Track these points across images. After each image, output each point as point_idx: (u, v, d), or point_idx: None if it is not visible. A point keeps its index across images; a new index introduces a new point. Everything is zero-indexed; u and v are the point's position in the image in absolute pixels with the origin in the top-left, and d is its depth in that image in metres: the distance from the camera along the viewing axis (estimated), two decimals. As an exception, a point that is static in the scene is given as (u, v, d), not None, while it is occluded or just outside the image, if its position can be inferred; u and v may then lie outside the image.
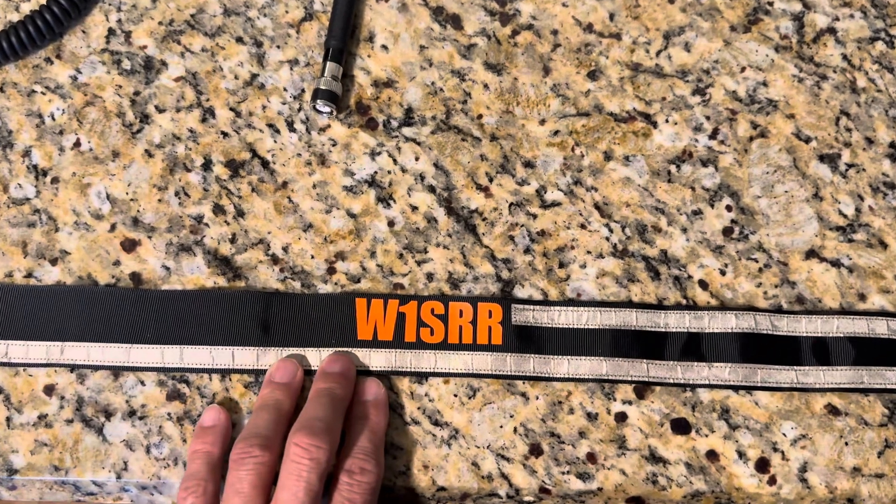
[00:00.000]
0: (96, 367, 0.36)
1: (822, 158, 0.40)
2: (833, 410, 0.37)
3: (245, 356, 0.36)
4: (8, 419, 0.36)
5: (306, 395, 0.35)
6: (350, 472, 0.32)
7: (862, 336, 0.38)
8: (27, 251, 0.38)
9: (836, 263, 0.39)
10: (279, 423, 0.34)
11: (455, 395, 0.37)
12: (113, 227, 0.38)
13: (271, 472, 0.33)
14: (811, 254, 0.39)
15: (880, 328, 0.38)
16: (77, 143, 0.39)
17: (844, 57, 0.42)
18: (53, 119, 0.40)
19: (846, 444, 0.37)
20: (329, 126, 0.40)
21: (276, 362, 0.36)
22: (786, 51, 0.42)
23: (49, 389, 0.36)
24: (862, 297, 0.39)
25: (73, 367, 0.36)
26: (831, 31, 0.42)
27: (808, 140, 0.41)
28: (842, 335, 0.37)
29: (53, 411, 0.36)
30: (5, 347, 0.36)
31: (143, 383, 0.36)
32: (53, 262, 0.38)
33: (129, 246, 0.38)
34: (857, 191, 0.40)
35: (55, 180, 0.39)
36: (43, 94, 0.40)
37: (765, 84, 0.41)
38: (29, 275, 0.37)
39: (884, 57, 0.42)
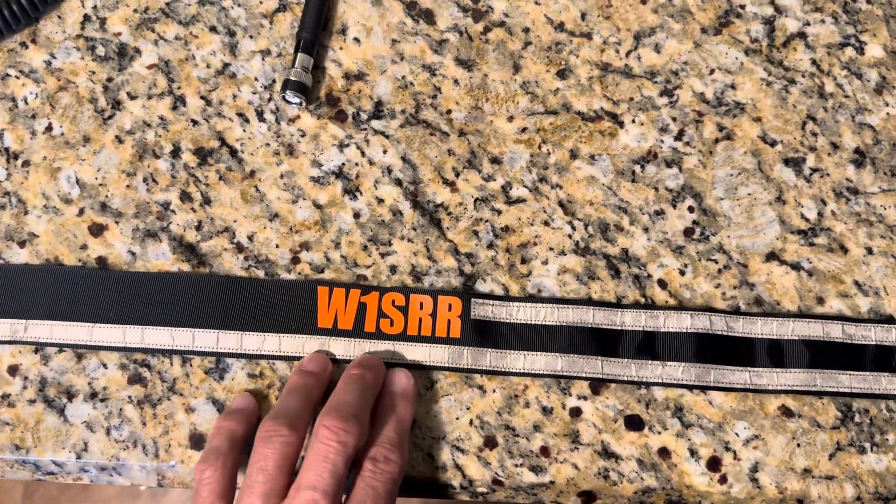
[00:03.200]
0: (59, 345, 0.37)
1: (786, 162, 0.41)
2: (786, 412, 0.37)
3: (205, 338, 0.37)
4: (-29, 397, 0.36)
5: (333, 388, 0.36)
6: (374, 460, 0.33)
7: (816, 339, 0.38)
8: (-4, 233, 0.38)
9: (796, 266, 0.39)
10: (307, 406, 0.34)
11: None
12: (81, 212, 0.39)
13: (296, 453, 0.33)
14: (771, 256, 0.39)
15: (835, 332, 0.38)
16: (49, 128, 0.40)
17: (814, 62, 0.42)
18: (26, 103, 0.40)
19: (798, 445, 0.37)
20: (298, 117, 0.40)
21: (308, 355, 0.36)
22: (755, 54, 0.42)
23: (13, 370, 0.37)
24: (820, 301, 0.39)
25: (36, 346, 0.37)
26: (801, 35, 0.43)
27: (773, 143, 0.41)
28: (797, 338, 0.38)
29: (16, 391, 0.36)
30: (-30, 327, 0.37)
31: (105, 366, 0.37)
32: (22, 244, 0.38)
33: (97, 230, 0.38)
34: (820, 195, 0.40)
35: (26, 164, 0.39)
36: (17, 77, 0.40)
37: (733, 87, 0.42)
38: (-4, 256, 0.38)
39: (853, 63, 0.42)
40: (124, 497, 1.09)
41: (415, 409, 0.36)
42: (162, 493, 1.08)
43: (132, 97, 0.40)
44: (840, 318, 0.38)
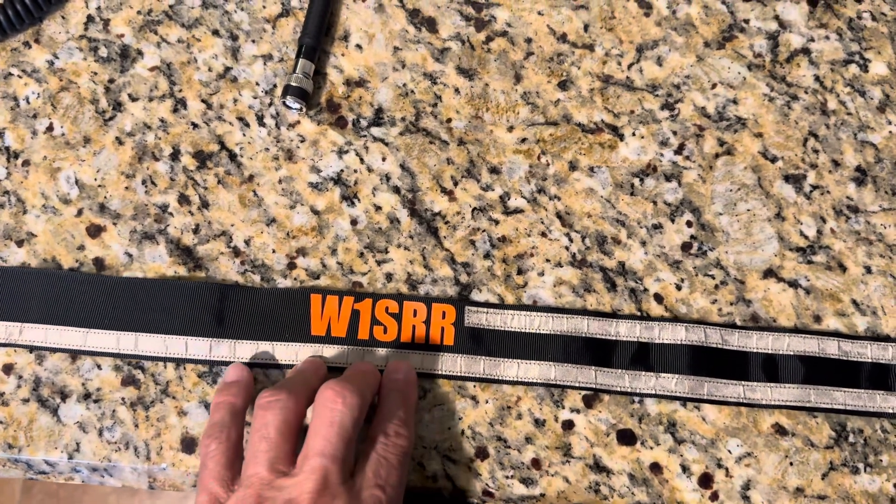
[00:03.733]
0: (53, 350, 0.37)
1: (787, 179, 0.41)
2: (780, 430, 0.37)
3: (198, 346, 0.37)
4: (-35, 395, 0.36)
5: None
6: (386, 434, 0.33)
7: (812, 355, 0.38)
8: (-6, 231, 0.38)
9: (793, 284, 0.39)
10: (308, 384, 0.34)
11: (405, 395, 0.37)
12: (80, 212, 0.39)
13: (298, 419, 0.32)
14: (769, 273, 0.39)
15: (831, 348, 0.38)
16: (50, 128, 0.40)
17: (817, 78, 0.42)
18: (28, 102, 0.40)
19: (791, 464, 0.37)
20: (298, 122, 0.40)
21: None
22: (758, 69, 0.42)
23: (7, 368, 0.37)
24: (817, 319, 0.39)
25: (31, 349, 0.37)
26: (805, 51, 0.43)
27: (774, 160, 0.41)
28: (792, 353, 0.38)
29: (10, 390, 0.36)
30: (-34, 325, 0.37)
31: (99, 367, 0.37)
32: (20, 243, 0.38)
33: (95, 231, 0.39)
34: (820, 213, 0.40)
35: (26, 163, 0.39)
36: (19, 77, 0.41)
37: (735, 101, 0.42)
38: (-6, 255, 0.38)
39: (856, 80, 0.42)
40: (123, 493, 1.09)
41: (416, 396, 0.36)
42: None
43: (133, 99, 0.40)
44: (836, 334, 0.38)
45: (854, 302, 0.39)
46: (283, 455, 0.31)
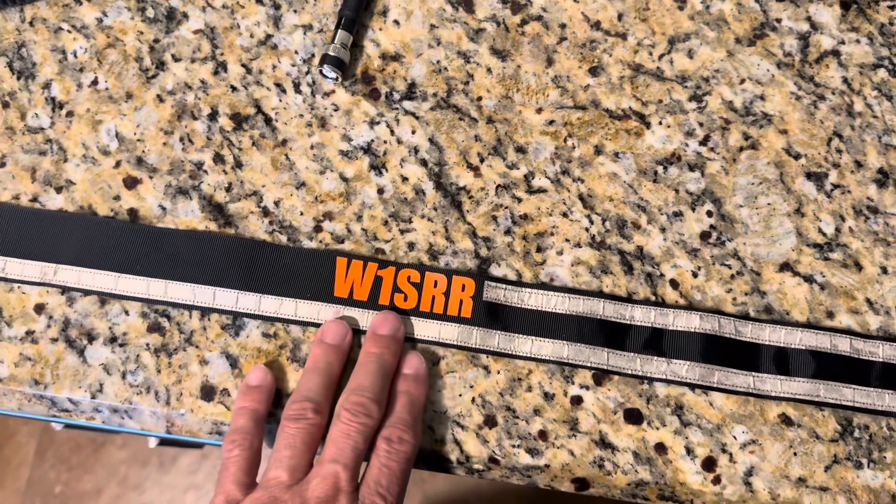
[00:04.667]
0: (85, 291, 0.38)
1: (809, 176, 0.41)
2: (786, 420, 0.38)
3: (225, 297, 0.38)
4: (-2, 331, 0.38)
5: (354, 356, 0.37)
6: (389, 441, 0.34)
7: (823, 351, 0.38)
8: (35, 177, 0.40)
9: (808, 279, 0.40)
10: (329, 387, 0.36)
11: (420, 361, 0.38)
12: (118, 164, 0.40)
13: (321, 433, 0.35)
14: (785, 267, 0.40)
15: (843, 345, 0.38)
16: (94, 82, 0.41)
17: (845, 80, 0.43)
18: (76, 56, 0.42)
19: (795, 454, 0.37)
20: (333, 91, 0.42)
21: (326, 322, 0.38)
22: (787, 68, 0.43)
23: (39, 308, 0.38)
24: (830, 315, 0.39)
25: (63, 289, 0.38)
26: (835, 53, 0.43)
27: (797, 156, 0.41)
28: (803, 347, 0.38)
29: (41, 329, 0.38)
30: (3, 263, 0.38)
31: (127, 313, 0.38)
32: (59, 190, 0.40)
33: (131, 183, 0.40)
34: (839, 211, 0.41)
35: (70, 114, 0.41)
36: (69, 32, 0.42)
37: (762, 98, 0.42)
38: (34, 199, 0.39)
39: (884, 84, 0.43)
40: (133, 462, 1.11)
41: (427, 391, 0.37)
42: (170, 460, 1.09)
43: (176, 59, 0.42)
44: (848, 332, 0.39)
45: (868, 301, 0.39)
46: (303, 463, 0.34)
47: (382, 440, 0.35)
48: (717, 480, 0.37)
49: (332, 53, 0.41)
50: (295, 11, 0.43)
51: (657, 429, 0.37)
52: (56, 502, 1.09)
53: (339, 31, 0.41)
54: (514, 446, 0.37)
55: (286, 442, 0.34)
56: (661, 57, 0.43)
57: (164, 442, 0.75)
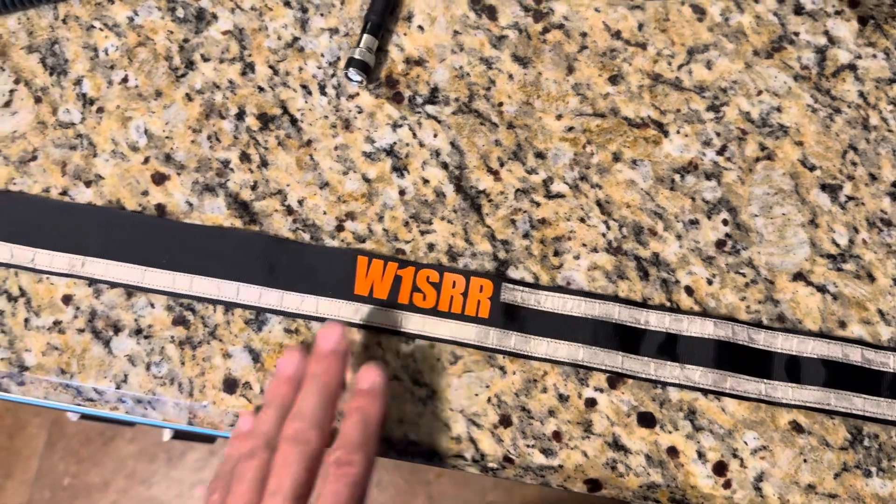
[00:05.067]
0: (112, 284, 0.39)
1: (823, 187, 0.42)
2: (797, 427, 0.38)
3: (249, 293, 0.39)
4: (26, 320, 0.39)
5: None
6: (337, 464, 0.33)
7: (835, 360, 0.39)
8: (65, 171, 0.41)
9: (821, 289, 0.40)
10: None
11: (438, 360, 0.39)
12: (146, 160, 0.41)
13: (319, 457, 0.33)
14: (799, 276, 0.40)
15: (854, 355, 0.39)
16: (125, 79, 0.42)
17: (861, 94, 0.43)
18: (107, 54, 0.43)
19: (805, 461, 0.38)
20: (358, 94, 0.43)
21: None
22: (804, 80, 0.43)
23: (67, 299, 0.39)
24: (842, 325, 0.40)
25: (91, 281, 0.39)
26: (852, 67, 0.44)
27: (812, 168, 0.42)
28: (815, 356, 0.39)
29: (68, 319, 0.39)
30: (33, 254, 0.39)
31: (152, 305, 0.39)
32: (88, 184, 0.41)
33: (159, 179, 0.41)
34: (853, 223, 0.41)
35: (100, 110, 0.42)
36: (101, 30, 0.43)
37: (779, 109, 0.43)
38: (64, 192, 0.40)
39: (900, 99, 0.43)
40: (141, 456, 1.12)
41: (385, 405, 0.36)
42: (178, 455, 1.10)
43: (205, 59, 0.43)
44: (860, 342, 0.39)
45: (880, 311, 0.40)
46: (305, 483, 0.32)
47: (331, 465, 0.33)
48: (727, 485, 0.38)
49: (357, 57, 0.42)
50: (322, 15, 0.44)
51: (670, 432, 0.38)
52: (64, 494, 1.10)
53: (365, 35, 0.42)
54: (528, 446, 0.38)
55: (286, 461, 0.32)
56: (679, 67, 0.43)
57: (177, 435, 0.76)
